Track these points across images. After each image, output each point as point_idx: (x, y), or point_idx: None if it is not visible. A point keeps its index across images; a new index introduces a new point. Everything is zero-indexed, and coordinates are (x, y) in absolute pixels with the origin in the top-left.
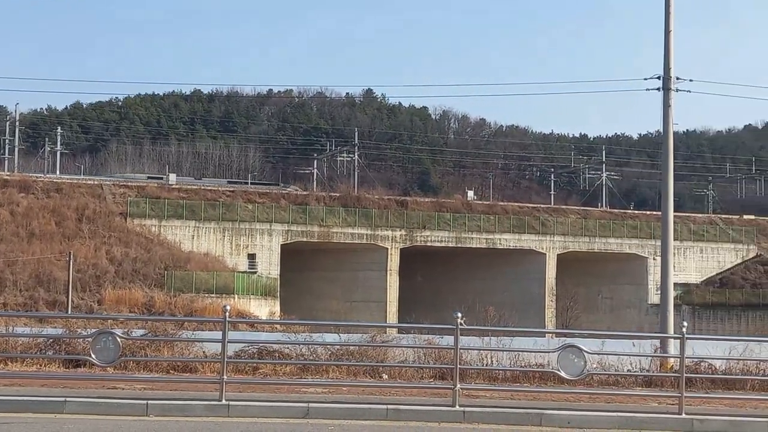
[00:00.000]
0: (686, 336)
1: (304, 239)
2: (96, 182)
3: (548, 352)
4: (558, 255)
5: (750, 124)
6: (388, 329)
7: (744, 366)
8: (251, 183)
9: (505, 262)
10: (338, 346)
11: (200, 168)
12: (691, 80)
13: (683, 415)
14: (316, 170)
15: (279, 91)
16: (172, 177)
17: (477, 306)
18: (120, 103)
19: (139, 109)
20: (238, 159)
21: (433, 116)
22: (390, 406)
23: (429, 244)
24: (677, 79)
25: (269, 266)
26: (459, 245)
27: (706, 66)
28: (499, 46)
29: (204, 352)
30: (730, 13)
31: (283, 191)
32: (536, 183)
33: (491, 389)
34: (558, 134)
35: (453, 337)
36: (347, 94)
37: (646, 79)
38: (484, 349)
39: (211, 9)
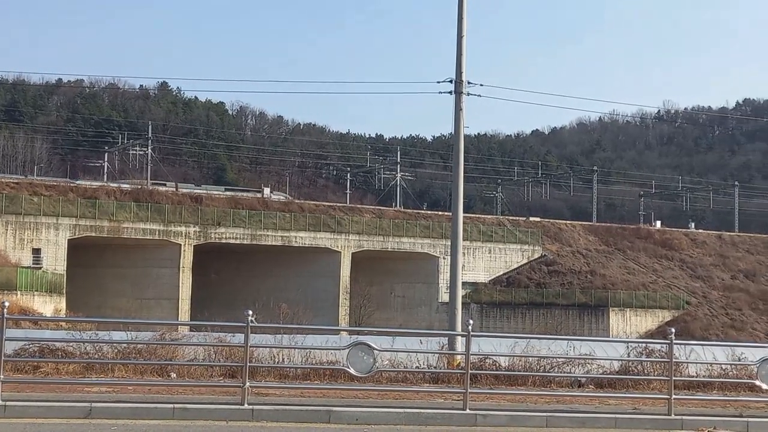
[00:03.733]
0: (471, 333)
1: (93, 234)
2: None
3: (339, 349)
4: (353, 253)
5: (537, 130)
6: (179, 327)
7: (526, 362)
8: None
9: (301, 260)
10: (125, 345)
11: None
12: (481, 85)
13: (467, 411)
14: (107, 163)
15: (69, 81)
16: None
17: (272, 304)
18: None
19: None
20: (24, 150)
21: (230, 112)
22: (177, 405)
23: (224, 241)
24: (469, 83)
25: (55, 262)
26: (254, 243)
27: (496, 69)
28: (297, 42)
29: None
30: (521, 19)
31: (71, 184)
32: (332, 182)
33: (281, 387)
34: (354, 134)
35: (244, 334)
36: (141, 86)
37: (439, 82)
38: (274, 347)
39: None
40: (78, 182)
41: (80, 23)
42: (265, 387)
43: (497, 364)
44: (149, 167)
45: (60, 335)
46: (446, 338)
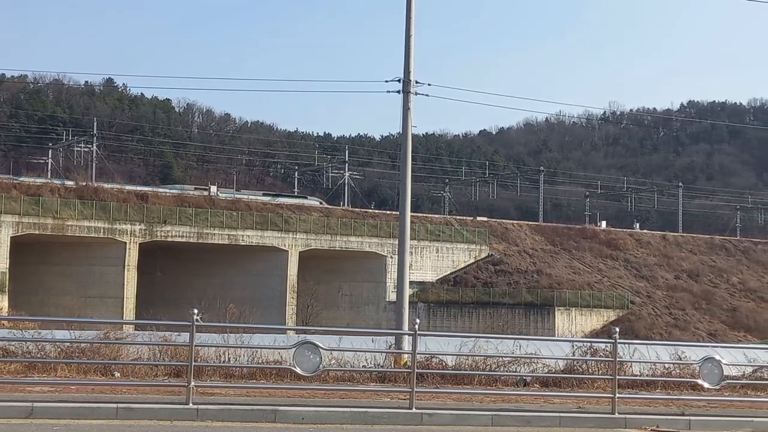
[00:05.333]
0: (418, 332)
1: (37, 232)
2: None
3: (285, 348)
4: (300, 252)
5: (485, 130)
6: (124, 326)
7: (473, 361)
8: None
9: (248, 258)
10: (68, 344)
11: None
12: (429, 84)
13: (413, 410)
14: (51, 160)
15: (12, 76)
16: None
17: (218, 302)
18: None
19: None
20: None
21: (177, 109)
22: (120, 405)
23: (170, 239)
24: (417, 83)
25: None
26: (201, 241)
27: (444, 70)
28: (245, 40)
29: None
30: (470, 20)
31: (14, 181)
32: (280, 180)
33: (227, 386)
34: (303, 132)
35: (189, 333)
36: (86, 82)
37: (387, 81)
38: (220, 346)
39: None
40: (21, 179)
41: (24, 18)
42: (211, 386)
43: (444, 363)
44: (94, 164)
45: (1, 334)
46: (393, 337)
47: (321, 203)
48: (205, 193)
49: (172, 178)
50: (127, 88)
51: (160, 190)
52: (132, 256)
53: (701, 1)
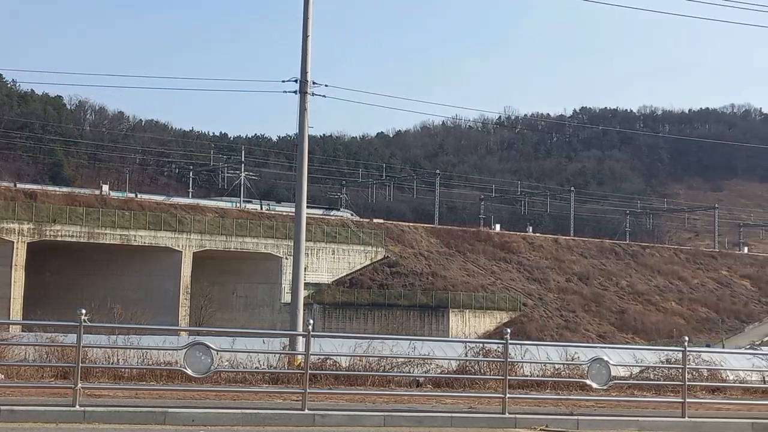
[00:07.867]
0: (311, 333)
1: None
2: None
3: (175, 349)
4: (194, 253)
5: (382, 132)
6: (10, 326)
7: (366, 363)
8: None
9: (141, 259)
10: None
11: None
12: (326, 85)
13: (306, 411)
14: None
15: None
16: None
17: (109, 303)
18: None
19: None
20: None
21: (69, 106)
22: (3, 407)
23: (60, 238)
24: (314, 83)
25: None
26: (92, 241)
27: (348, 71)
28: (140, 37)
29: None
30: (380, 26)
31: None
32: (175, 180)
33: (115, 388)
34: (198, 132)
35: (76, 334)
36: None
37: (284, 81)
38: (108, 347)
39: None
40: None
41: None
42: (99, 388)
43: (338, 365)
44: None
45: None
46: (288, 339)
47: (352, 215)
48: (97, 192)
49: (62, 176)
50: (17, 84)
51: (50, 188)
52: (20, 256)
53: (606, 16)
